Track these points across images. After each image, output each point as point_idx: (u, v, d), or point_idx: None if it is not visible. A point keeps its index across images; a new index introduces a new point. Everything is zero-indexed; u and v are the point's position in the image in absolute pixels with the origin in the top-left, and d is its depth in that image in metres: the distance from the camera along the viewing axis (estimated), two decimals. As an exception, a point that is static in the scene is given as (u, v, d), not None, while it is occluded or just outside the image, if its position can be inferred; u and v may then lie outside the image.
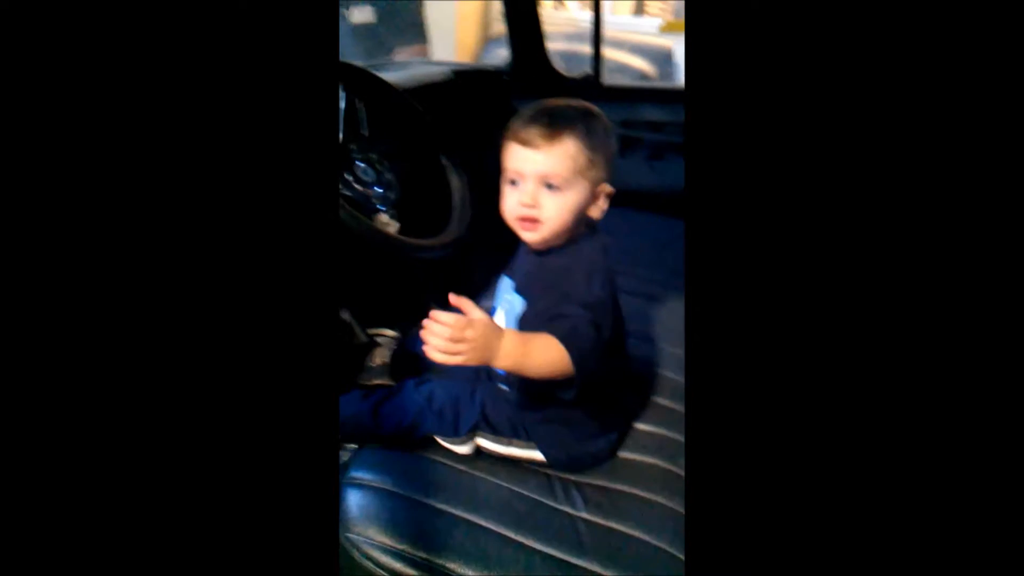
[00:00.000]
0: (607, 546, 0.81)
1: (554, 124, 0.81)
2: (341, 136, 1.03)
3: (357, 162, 1.02)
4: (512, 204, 0.84)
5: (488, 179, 0.97)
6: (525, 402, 0.91)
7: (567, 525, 0.84)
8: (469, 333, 0.69)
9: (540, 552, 0.80)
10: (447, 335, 0.68)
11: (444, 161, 1.11)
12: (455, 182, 1.10)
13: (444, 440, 0.94)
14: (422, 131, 1.11)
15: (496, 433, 0.92)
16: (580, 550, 0.81)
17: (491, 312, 0.96)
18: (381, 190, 1.04)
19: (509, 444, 0.92)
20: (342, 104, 1.05)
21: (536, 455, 0.92)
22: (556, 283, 0.83)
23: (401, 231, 1.05)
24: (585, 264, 0.84)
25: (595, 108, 0.86)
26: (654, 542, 0.82)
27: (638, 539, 0.83)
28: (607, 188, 0.85)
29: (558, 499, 0.88)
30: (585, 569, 0.79)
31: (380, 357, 1.25)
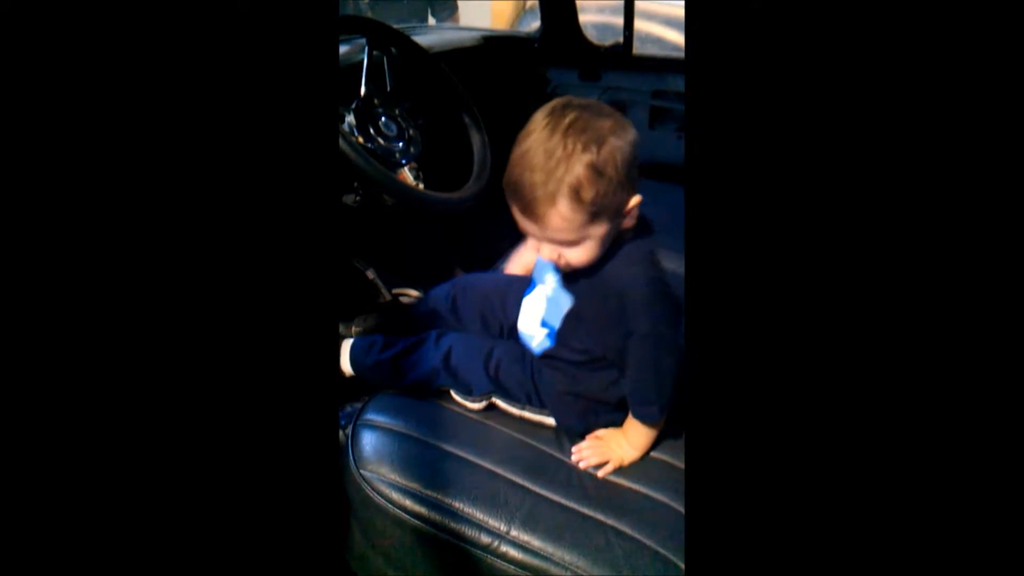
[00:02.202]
0: (612, 498, 0.84)
1: (540, 192, 0.70)
2: (363, 90, 1.05)
3: (381, 117, 1.04)
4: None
5: (510, 139, 0.98)
6: (543, 378, 0.93)
7: (574, 477, 0.86)
8: (608, 451, 0.88)
9: (547, 498, 0.83)
10: (594, 459, 0.87)
11: (467, 119, 1.12)
12: (476, 140, 1.12)
13: (458, 396, 0.97)
14: (446, 89, 1.13)
15: (509, 397, 0.95)
16: (586, 499, 0.83)
17: (530, 286, 0.96)
18: (403, 145, 1.06)
19: (523, 408, 0.95)
20: (365, 59, 1.07)
21: (548, 420, 0.94)
22: (608, 300, 0.81)
23: (423, 186, 1.07)
24: (641, 285, 0.80)
25: (590, 125, 0.71)
26: (658, 497, 0.84)
27: (643, 494, 0.85)
28: (632, 203, 0.76)
29: (565, 453, 0.90)
30: (591, 517, 0.81)
31: (403, 316, 1.28)
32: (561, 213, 0.71)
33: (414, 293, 1.35)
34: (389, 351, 1.00)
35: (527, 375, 0.94)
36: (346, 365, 1.04)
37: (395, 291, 1.35)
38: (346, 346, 1.05)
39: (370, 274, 1.35)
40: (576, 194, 0.70)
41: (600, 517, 0.81)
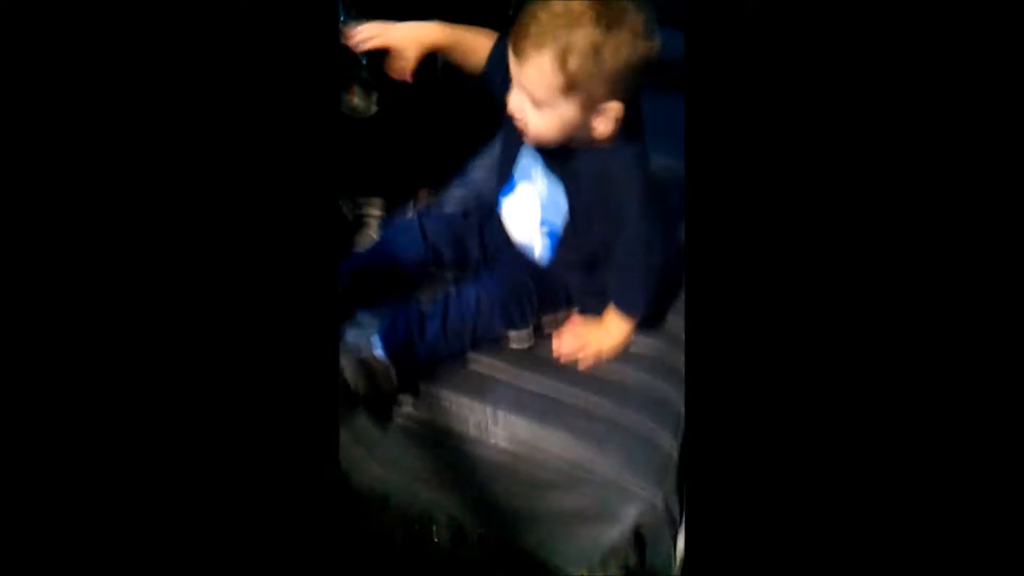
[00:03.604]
0: (593, 382, 0.87)
1: (534, 34, 0.69)
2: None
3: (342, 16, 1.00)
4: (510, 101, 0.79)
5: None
6: (569, 276, 0.93)
7: (555, 365, 0.89)
8: (588, 341, 0.89)
9: (529, 389, 0.86)
10: (574, 348, 0.89)
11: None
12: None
13: (513, 334, 0.91)
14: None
15: (548, 310, 0.92)
16: (568, 385, 0.86)
17: (510, 184, 0.93)
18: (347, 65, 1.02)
19: (556, 312, 0.93)
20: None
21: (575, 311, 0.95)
22: (609, 198, 0.81)
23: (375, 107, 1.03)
24: (633, 184, 0.80)
25: (620, 8, 0.69)
26: (637, 378, 0.88)
27: (622, 377, 0.88)
28: (613, 108, 0.74)
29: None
30: (572, 403, 0.84)
31: (369, 233, 1.26)
32: (540, 65, 0.70)
33: (377, 212, 1.33)
34: (433, 325, 0.86)
35: (555, 279, 0.92)
36: (379, 356, 0.84)
37: (359, 211, 1.32)
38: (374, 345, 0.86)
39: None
40: (562, 56, 0.69)
41: (582, 403, 0.84)
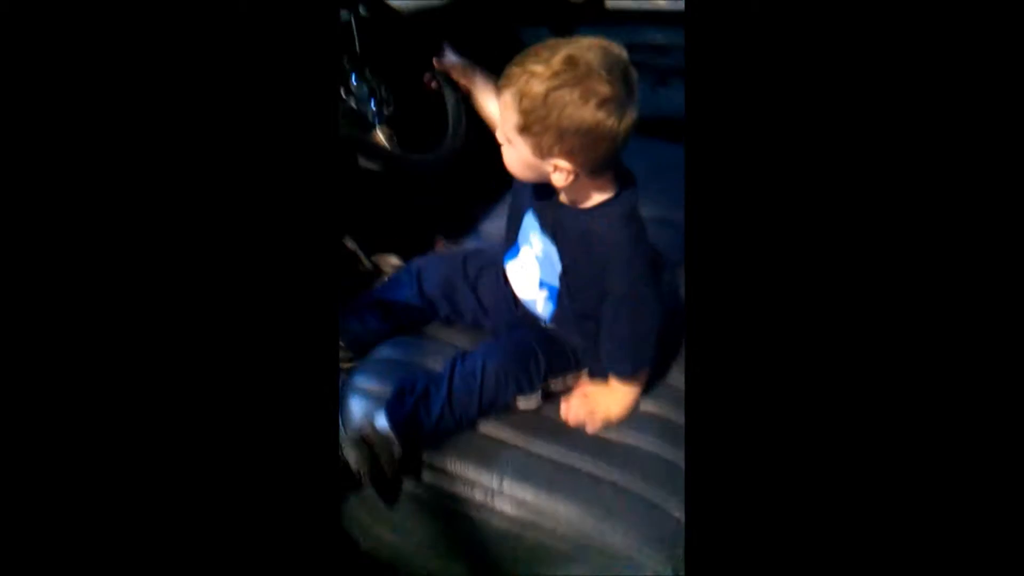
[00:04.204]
0: (601, 450, 0.85)
1: (508, 74, 0.76)
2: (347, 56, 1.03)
3: (351, 77, 1.02)
4: None
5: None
6: (575, 338, 0.92)
7: (563, 431, 0.87)
8: (595, 406, 0.88)
9: (537, 453, 0.84)
10: (582, 415, 0.88)
11: (438, 78, 1.10)
12: (450, 99, 1.10)
13: (520, 399, 0.90)
14: (415, 48, 1.10)
15: (556, 373, 0.92)
16: (575, 452, 0.84)
17: (514, 248, 0.95)
18: (375, 105, 1.04)
19: (566, 377, 0.93)
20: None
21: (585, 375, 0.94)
22: (595, 259, 0.83)
23: (398, 146, 1.05)
24: (617, 245, 0.81)
25: (583, 75, 0.73)
26: (647, 447, 0.86)
27: (631, 445, 0.86)
28: (563, 167, 0.77)
29: (554, 408, 0.91)
30: (580, 469, 0.83)
31: (383, 280, 1.27)
32: (505, 101, 0.77)
33: (395, 261, 1.34)
34: (438, 400, 0.86)
35: (565, 341, 0.92)
36: (382, 431, 0.84)
37: (374, 258, 1.34)
38: (377, 419, 0.86)
39: (349, 244, 1.34)
40: (519, 96, 0.75)
41: (590, 469, 0.83)
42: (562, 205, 0.84)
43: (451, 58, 1.07)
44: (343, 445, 0.80)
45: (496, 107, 0.88)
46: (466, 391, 0.85)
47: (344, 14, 1.07)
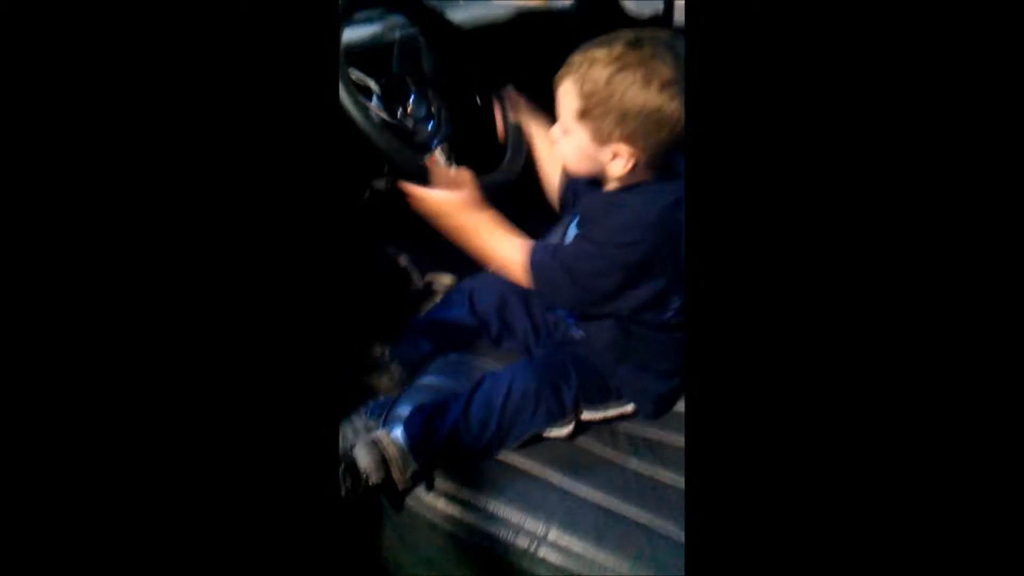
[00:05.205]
0: (654, 497, 0.80)
1: (568, 64, 0.78)
2: (395, 67, 1.02)
3: (411, 97, 1.00)
4: None
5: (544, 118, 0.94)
6: (612, 360, 0.89)
7: (615, 476, 0.82)
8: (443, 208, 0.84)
9: (586, 499, 0.79)
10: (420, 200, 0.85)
11: (498, 100, 1.08)
12: (511, 125, 1.07)
13: (551, 426, 0.86)
14: (478, 70, 1.09)
15: (593, 402, 0.88)
16: (627, 499, 0.79)
17: None
18: (433, 126, 1.02)
19: (606, 408, 0.89)
20: (397, 37, 1.03)
21: (627, 409, 0.90)
22: (610, 221, 0.80)
23: (455, 169, 1.03)
24: (630, 215, 0.79)
25: (644, 57, 0.75)
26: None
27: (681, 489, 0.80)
28: (622, 150, 0.77)
29: (605, 451, 0.86)
30: (631, 519, 0.77)
31: (436, 299, 1.26)
32: (565, 90, 0.79)
33: (447, 280, 1.32)
34: (454, 411, 0.83)
35: (601, 367, 0.88)
36: (396, 440, 0.81)
37: (428, 277, 1.32)
38: (393, 426, 0.84)
39: (402, 260, 1.32)
40: (580, 82, 0.77)
41: (642, 518, 0.77)
42: (604, 193, 0.84)
43: (513, 94, 1.06)
44: (355, 451, 0.79)
45: (546, 149, 0.93)
46: (484, 407, 0.82)
47: (406, 34, 1.06)
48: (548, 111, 0.89)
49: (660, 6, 1.89)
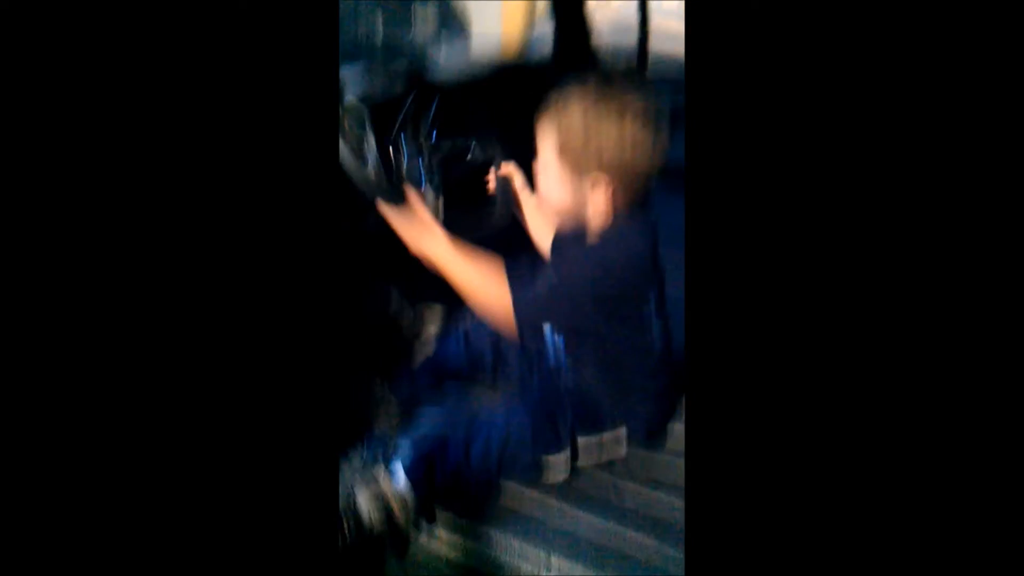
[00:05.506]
0: (654, 515, 0.83)
1: (548, 103, 0.83)
2: (398, 126, 1.06)
3: (402, 138, 1.06)
4: None
5: (527, 169, 0.98)
6: (601, 384, 0.92)
7: (612, 496, 0.86)
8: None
9: (587, 520, 0.82)
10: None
11: (486, 149, 1.12)
12: (499, 181, 1.12)
13: (549, 459, 0.89)
14: (474, 129, 1.13)
15: (588, 429, 0.91)
16: (626, 519, 0.82)
17: None
18: (423, 168, 1.06)
19: (600, 433, 0.92)
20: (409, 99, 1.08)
21: (620, 432, 0.93)
22: (588, 253, 0.86)
23: (444, 212, 1.07)
24: (588, 248, 0.85)
25: (618, 92, 0.81)
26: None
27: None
28: (601, 180, 0.81)
29: (603, 469, 0.90)
30: (633, 538, 0.80)
31: (429, 331, 1.28)
32: (544, 125, 0.84)
33: (440, 311, 1.34)
34: (455, 452, 0.86)
35: (597, 394, 0.91)
36: (397, 487, 0.83)
37: (420, 307, 1.34)
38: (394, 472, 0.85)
39: (393, 294, 1.34)
40: (558, 116, 0.82)
41: (642, 538, 0.80)
42: (582, 232, 0.87)
43: (509, 168, 1.08)
44: (358, 500, 0.81)
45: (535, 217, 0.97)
46: (484, 447, 0.85)
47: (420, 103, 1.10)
48: (531, 158, 0.93)
49: (634, 55, 1.98)
